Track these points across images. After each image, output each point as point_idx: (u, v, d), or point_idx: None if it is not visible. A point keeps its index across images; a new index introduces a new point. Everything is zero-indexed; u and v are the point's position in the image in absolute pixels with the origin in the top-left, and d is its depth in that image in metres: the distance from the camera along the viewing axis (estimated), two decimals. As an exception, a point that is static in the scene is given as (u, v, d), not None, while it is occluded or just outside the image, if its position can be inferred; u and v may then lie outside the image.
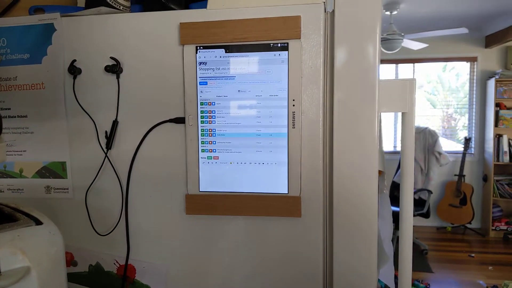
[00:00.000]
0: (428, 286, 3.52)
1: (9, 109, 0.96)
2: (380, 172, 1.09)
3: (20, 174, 0.97)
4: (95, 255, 0.95)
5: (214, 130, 0.86)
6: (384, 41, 3.54)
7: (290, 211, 0.85)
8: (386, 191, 1.12)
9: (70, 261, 0.96)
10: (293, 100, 0.83)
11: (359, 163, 0.82)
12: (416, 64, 4.99)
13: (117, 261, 0.93)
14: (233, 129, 0.86)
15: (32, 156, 0.96)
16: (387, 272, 1.08)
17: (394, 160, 4.15)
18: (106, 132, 0.91)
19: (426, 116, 5.03)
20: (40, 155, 0.96)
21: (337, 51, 0.80)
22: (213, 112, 0.86)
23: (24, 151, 0.96)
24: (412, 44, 3.88)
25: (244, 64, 0.84)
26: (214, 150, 0.87)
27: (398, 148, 4.38)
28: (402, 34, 3.56)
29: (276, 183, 0.85)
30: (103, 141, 0.91)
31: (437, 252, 4.44)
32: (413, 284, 3.72)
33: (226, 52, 0.84)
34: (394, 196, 3.96)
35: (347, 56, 0.79)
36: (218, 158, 0.87)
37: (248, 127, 0.85)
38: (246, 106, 0.84)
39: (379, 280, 1.01)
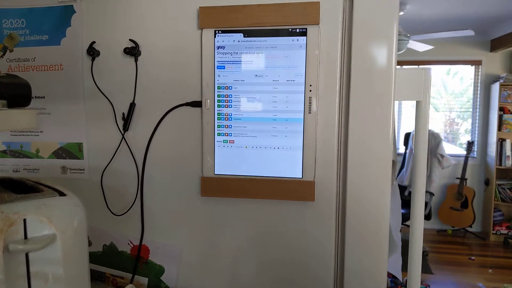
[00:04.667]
0: (428, 287, 3.53)
1: (27, 89, 0.97)
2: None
3: (37, 154, 0.98)
4: (110, 235, 0.96)
5: (230, 115, 0.88)
6: (390, 41, 3.55)
7: (304, 195, 0.86)
8: (396, 182, 1.13)
9: (84, 241, 0.97)
10: (310, 85, 0.84)
11: (374, 151, 0.83)
12: (420, 66, 5.01)
13: (131, 242, 0.95)
14: (249, 114, 0.87)
15: (49, 137, 0.97)
16: (394, 263, 1.10)
17: (397, 162, 4.17)
18: (123, 114, 0.92)
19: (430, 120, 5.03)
20: (57, 136, 0.97)
21: (355, 38, 0.81)
22: (230, 96, 0.87)
23: (41, 131, 0.98)
24: (417, 46, 3.89)
25: (262, 49, 0.85)
26: (230, 134, 0.88)
27: (401, 150, 4.39)
28: (408, 35, 3.57)
29: (290, 167, 0.86)
30: (120, 124, 0.92)
31: (437, 254, 4.45)
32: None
33: (244, 36, 0.85)
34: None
35: (365, 43, 0.80)
36: (233, 142, 0.88)
37: (264, 112, 0.86)
38: (263, 91, 0.86)
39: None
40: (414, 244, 0.92)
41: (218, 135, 0.88)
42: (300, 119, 0.85)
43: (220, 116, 0.88)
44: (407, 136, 4.24)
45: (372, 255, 0.86)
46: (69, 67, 0.94)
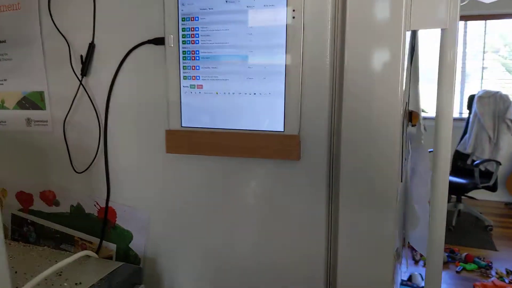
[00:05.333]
0: (490, 264, 3.21)
1: (-13, 32, 0.87)
2: (415, 117, 0.88)
3: (2, 105, 0.89)
4: (76, 196, 0.85)
5: (197, 53, 0.71)
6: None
7: (286, 152, 0.68)
8: (424, 141, 0.91)
9: (53, 200, 0.88)
10: (293, 10, 0.64)
11: (377, 94, 0.63)
12: (488, 21, 4.38)
13: (97, 203, 0.84)
14: (220, 50, 0.70)
15: (13, 86, 0.87)
16: (419, 237, 0.90)
17: (459, 127, 3.74)
18: (81, 56, 0.79)
19: (500, 83, 4.44)
20: (20, 85, 0.86)
21: None
22: (196, 29, 0.70)
23: (4, 80, 0.88)
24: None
25: (232, -34, 0.66)
26: (198, 77, 0.72)
27: (465, 115, 3.92)
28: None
29: (270, 118, 0.69)
30: (78, 68, 0.79)
31: (503, 229, 4.02)
32: (473, 261, 3.42)
33: (210, -49, 0.67)
34: (458, 166, 3.59)
35: None
36: (202, 87, 0.72)
37: (237, 47, 0.68)
38: (235, 21, 0.68)
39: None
40: (435, 221, 0.72)
41: (184, 78, 0.72)
42: (281, 56, 0.67)
43: (186, 55, 0.72)
44: (471, 98, 3.77)
45: (375, 232, 0.67)
46: (26, 5, 0.82)
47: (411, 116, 0.89)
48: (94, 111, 0.80)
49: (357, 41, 0.63)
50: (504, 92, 4.12)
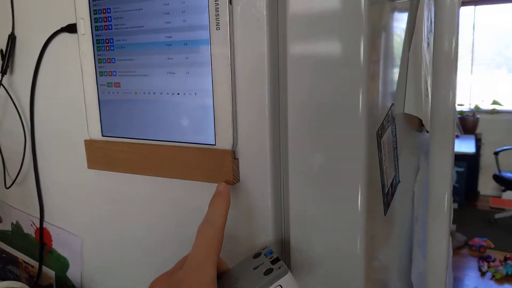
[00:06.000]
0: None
1: None
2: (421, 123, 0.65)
3: None
4: (14, 213, 0.74)
5: (111, 41, 0.54)
6: None
7: (216, 173, 0.50)
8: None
9: (-4, 216, 0.78)
10: (214, -25, 0.45)
11: (328, 92, 0.43)
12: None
13: (33, 223, 0.72)
14: (135, 37, 0.53)
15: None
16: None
17: None
18: (1, 51, 0.66)
19: None
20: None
21: None
22: (108, 11, 0.54)
23: None
24: None
25: None
26: (114, 73, 0.55)
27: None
28: None
29: (197, 127, 0.51)
30: None
31: None
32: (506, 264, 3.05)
33: None
34: None
35: None
36: (119, 86, 0.55)
37: (154, 32, 0.51)
38: (149, -4, 0.50)
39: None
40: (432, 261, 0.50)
41: (100, 74, 0.57)
42: (206, 40, 0.48)
43: (100, 45, 0.56)
44: None
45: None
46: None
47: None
48: (18, 115, 0.67)
49: (304, 15, 0.43)
50: None
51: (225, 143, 0.49)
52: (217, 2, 0.46)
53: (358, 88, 0.42)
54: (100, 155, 0.58)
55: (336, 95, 0.43)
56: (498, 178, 3.94)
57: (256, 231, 0.51)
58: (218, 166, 0.50)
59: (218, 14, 0.46)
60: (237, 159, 0.50)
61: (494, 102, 4.27)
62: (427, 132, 0.64)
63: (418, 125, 0.71)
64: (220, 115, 0.49)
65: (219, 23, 0.46)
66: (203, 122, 0.50)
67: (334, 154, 0.45)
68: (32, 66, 0.64)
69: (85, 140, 0.59)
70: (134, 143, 0.55)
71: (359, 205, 0.44)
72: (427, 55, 0.65)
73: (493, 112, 4.27)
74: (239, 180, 0.50)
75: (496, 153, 3.80)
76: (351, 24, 0.41)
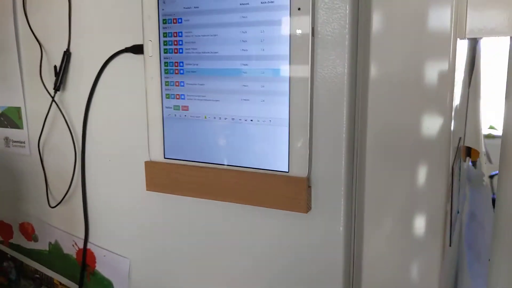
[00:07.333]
0: None
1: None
2: (475, 153, 0.66)
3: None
4: (54, 232, 0.73)
5: (181, 64, 0.55)
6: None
7: (289, 201, 0.50)
8: (487, 183, 0.69)
9: (32, 234, 0.76)
10: (298, 9, 0.46)
11: (414, 123, 0.44)
12: None
13: (76, 243, 0.70)
14: (208, 62, 0.53)
15: (-8, 100, 0.76)
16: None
17: None
18: (55, 67, 0.65)
19: None
20: (-1, 98, 0.75)
21: None
22: (180, 34, 0.54)
23: (-15, 93, 0.77)
24: None
25: (221, -51, 0.49)
26: (183, 97, 0.55)
27: None
28: None
29: (270, 153, 0.51)
30: (51, 81, 0.66)
31: None
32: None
33: None
34: None
35: None
36: (187, 109, 0.55)
37: (229, 58, 0.51)
38: (227, 24, 0.51)
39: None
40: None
41: (166, 97, 0.57)
42: (285, 70, 0.49)
43: (168, 68, 0.56)
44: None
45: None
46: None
47: (470, 151, 0.67)
48: (69, 132, 0.66)
49: (388, 50, 0.44)
50: None
51: (299, 171, 0.49)
52: (299, 33, 0.47)
53: (448, 121, 0.43)
54: (161, 177, 0.58)
55: (422, 125, 0.44)
56: (493, 202, 3.99)
57: (326, 260, 0.51)
58: (292, 194, 0.50)
59: (299, 44, 0.47)
60: (310, 187, 0.50)
61: (491, 127, 4.38)
62: (473, 162, 0.65)
63: (465, 155, 0.72)
64: (296, 143, 0.49)
65: (300, 53, 0.47)
66: (276, 149, 0.50)
67: (414, 184, 0.45)
68: (87, 83, 0.63)
69: (145, 162, 0.58)
70: (200, 166, 0.55)
71: (440, 237, 0.45)
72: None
73: (489, 136, 4.38)
74: (311, 208, 0.50)
75: (491, 177, 3.87)
76: (442, 55, 0.42)
